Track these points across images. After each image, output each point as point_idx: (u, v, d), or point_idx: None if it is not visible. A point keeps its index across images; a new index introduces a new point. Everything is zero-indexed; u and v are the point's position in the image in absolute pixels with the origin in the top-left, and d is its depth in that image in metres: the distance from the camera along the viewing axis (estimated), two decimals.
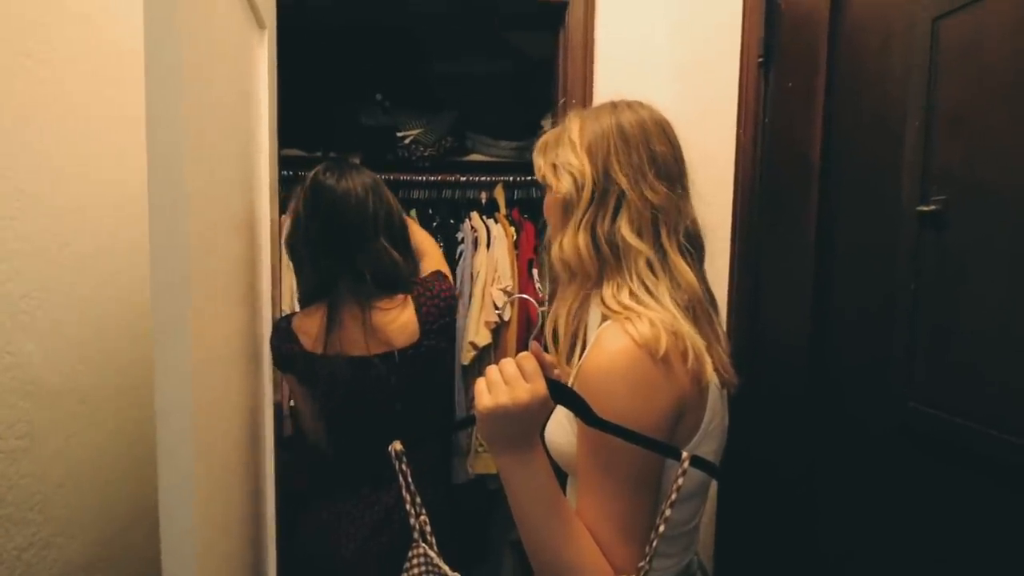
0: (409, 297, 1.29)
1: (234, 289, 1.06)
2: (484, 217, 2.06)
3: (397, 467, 0.74)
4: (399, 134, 2.09)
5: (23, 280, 1.03)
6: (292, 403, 1.60)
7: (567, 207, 0.84)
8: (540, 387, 0.68)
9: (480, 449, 1.99)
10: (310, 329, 1.26)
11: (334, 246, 1.24)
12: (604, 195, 0.82)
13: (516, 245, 2.04)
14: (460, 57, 2.20)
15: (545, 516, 0.71)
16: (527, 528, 0.73)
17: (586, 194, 0.82)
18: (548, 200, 0.89)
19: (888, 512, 0.96)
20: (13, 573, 0.98)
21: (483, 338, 1.92)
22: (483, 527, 2.19)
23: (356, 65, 2.12)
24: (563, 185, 0.84)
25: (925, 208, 0.83)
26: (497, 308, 1.91)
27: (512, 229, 2.05)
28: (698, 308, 0.82)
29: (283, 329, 1.27)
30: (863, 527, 1.03)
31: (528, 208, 2.15)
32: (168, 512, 0.74)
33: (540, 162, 0.89)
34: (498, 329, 1.96)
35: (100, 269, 1.21)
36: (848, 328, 1.08)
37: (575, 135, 0.85)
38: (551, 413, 0.74)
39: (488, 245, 2.00)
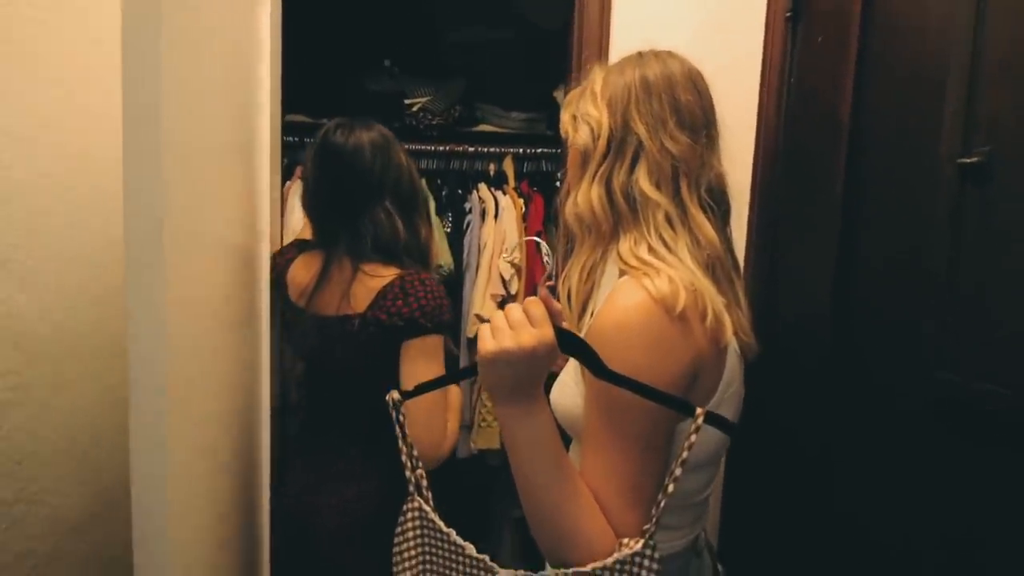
0: (399, 273, 1.16)
1: (225, 249, 1.03)
2: (492, 189, 2.01)
3: (394, 417, 0.71)
4: (407, 101, 2.04)
5: (15, 230, 0.99)
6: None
7: (584, 159, 0.82)
8: (547, 333, 0.64)
9: (483, 424, 1.95)
10: (300, 280, 1.26)
11: (337, 204, 1.22)
12: (621, 145, 0.78)
13: (524, 217, 1.99)
14: (471, 25, 2.14)
15: (545, 472, 0.68)
16: (526, 484, 0.69)
17: (601, 143, 0.79)
18: (569, 155, 0.86)
19: (914, 490, 0.91)
20: (0, 526, 0.95)
21: (489, 311, 1.88)
22: (484, 503, 2.16)
23: (364, 30, 2.07)
24: (580, 136, 0.81)
25: (967, 160, 0.77)
26: (504, 278, 1.87)
27: (521, 201, 2.00)
28: (718, 267, 0.78)
29: (280, 267, 1.31)
30: (883, 505, 0.98)
31: (538, 181, 2.10)
32: (139, 473, 0.72)
33: (564, 117, 0.86)
34: (504, 302, 1.92)
35: (99, 219, 1.17)
36: (875, 294, 1.03)
37: (597, 87, 0.82)
38: (557, 362, 0.70)
39: (496, 217, 1.95)
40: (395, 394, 0.72)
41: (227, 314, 1.05)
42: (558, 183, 2.03)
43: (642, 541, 0.66)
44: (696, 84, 0.80)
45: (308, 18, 1.71)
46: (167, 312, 0.73)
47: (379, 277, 1.17)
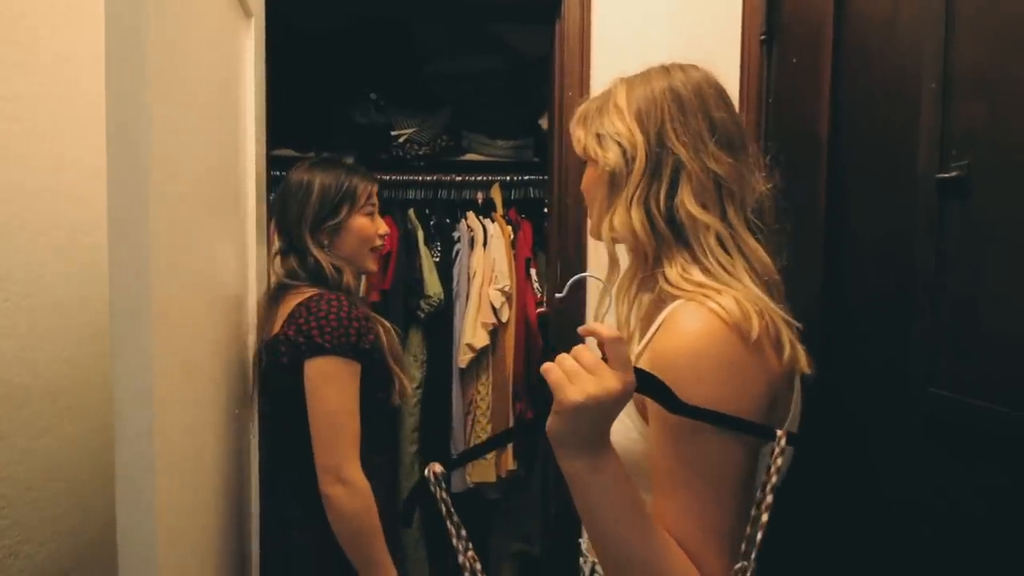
0: (311, 295, 1.16)
1: (214, 286, 1.02)
2: (480, 217, 2.02)
3: (437, 494, 0.64)
4: (393, 133, 2.06)
5: None
6: None
7: (614, 181, 0.74)
8: (628, 373, 0.58)
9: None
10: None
11: (279, 229, 1.32)
12: (658, 166, 0.72)
13: (513, 245, 2.00)
14: (455, 55, 2.17)
15: (628, 526, 0.61)
16: (606, 542, 0.62)
17: (638, 165, 0.72)
18: (590, 175, 0.79)
19: (907, 512, 0.89)
20: None
21: (480, 340, 1.86)
22: (481, 539, 2.11)
23: (349, 63, 2.10)
24: (610, 157, 0.73)
25: (946, 175, 0.78)
26: (494, 306, 1.86)
27: (509, 228, 2.01)
28: (776, 294, 0.73)
29: None
30: (876, 531, 0.96)
31: (525, 207, 2.11)
32: (126, 513, 0.69)
33: (580, 134, 0.79)
34: (495, 331, 1.90)
35: (83, 259, 1.15)
36: (862, 310, 1.03)
37: (621, 100, 0.75)
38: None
39: (485, 245, 1.95)
40: (436, 467, 0.63)
41: (216, 347, 1.03)
42: (546, 209, 2.04)
43: None
44: (724, 98, 0.76)
45: (293, 52, 1.73)
46: (154, 351, 0.71)
47: (296, 299, 1.17)
